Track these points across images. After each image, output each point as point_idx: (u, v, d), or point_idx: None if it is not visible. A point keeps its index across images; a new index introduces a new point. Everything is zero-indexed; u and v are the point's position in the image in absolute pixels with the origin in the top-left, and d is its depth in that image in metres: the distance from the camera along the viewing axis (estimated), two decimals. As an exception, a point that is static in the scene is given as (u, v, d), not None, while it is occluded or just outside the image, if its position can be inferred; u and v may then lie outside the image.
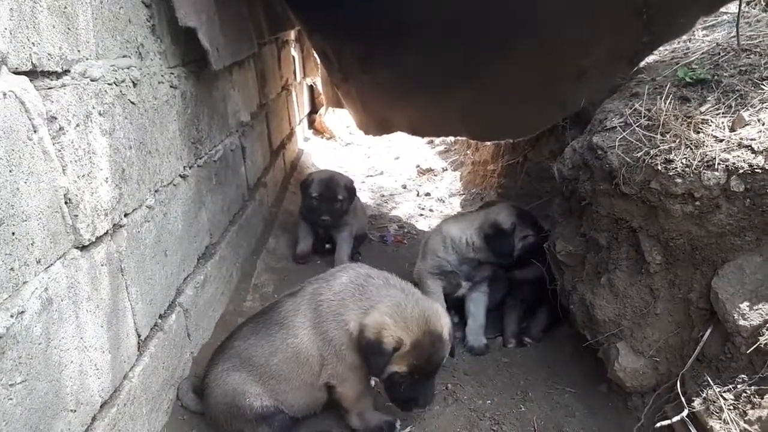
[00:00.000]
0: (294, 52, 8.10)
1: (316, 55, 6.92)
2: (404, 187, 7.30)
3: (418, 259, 4.10)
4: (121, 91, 2.42)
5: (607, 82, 3.67)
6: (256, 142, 5.30)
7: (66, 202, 1.97)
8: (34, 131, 1.81)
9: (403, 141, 8.89)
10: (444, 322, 2.59)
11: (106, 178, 2.26)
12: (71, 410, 1.93)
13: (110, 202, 2.28)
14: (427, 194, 6.90)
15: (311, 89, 9.51)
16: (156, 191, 2.81)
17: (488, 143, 6.29)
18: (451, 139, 8.17)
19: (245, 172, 4.79)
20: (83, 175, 2.08)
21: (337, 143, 9.36)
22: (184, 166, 3.22)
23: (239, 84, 4.67)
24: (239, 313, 3.89)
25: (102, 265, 2.21)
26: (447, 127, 5.48)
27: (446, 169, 7.63)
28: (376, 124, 6.06)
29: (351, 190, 4.98)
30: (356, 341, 2.55)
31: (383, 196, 7.01)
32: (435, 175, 7.55)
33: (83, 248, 2.08)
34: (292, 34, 7.85)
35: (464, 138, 7.23)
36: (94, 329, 2.11)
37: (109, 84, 2.32)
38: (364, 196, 6.98)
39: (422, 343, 2.46)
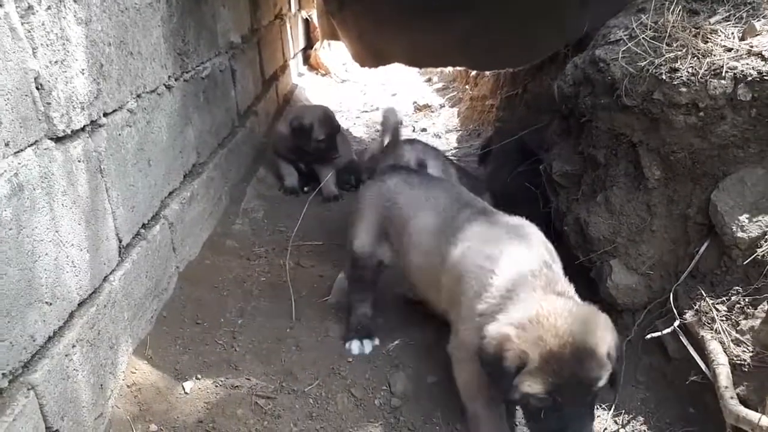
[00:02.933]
0: (289, -19, 7.80)
1: (311, -17, 6.66)
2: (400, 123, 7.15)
3: None
4: (97, -20, 2.28)
5: (611, 7, 3.52)
6: (247, 68, 5.13)
7: (37, 87, 1.87)
8: (0, 6, 1.69)
9: (400, 78, 8.68)
10: (601, 337, 1.97)
11: (82, 70, 2.14)
12: (46, 302, 1.87)
13: (87, 96, 2.17)
14: (423, 130, 6.76)
15: (307, 23, 9.22)
16: (138, 96, 2.69)
17: (488, 73, 6.13)
18: (450, 74, 7.96)
19: (235, 96, 4.65)
20: (56, 62, 1.96)
21: (333, 79, 9.13)
22: (168, 76, 3.10)
23: (229, 2, 4.48)
24: (228, 235, 3.83)
25: (79, 161, 2.11)
26: (446, 56, 5.32)
27: (443, 106, 7.46)
28: (373, 55, 5.87)
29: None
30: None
31: (378, 131, 6.87)
32: (432, 112, 7.39)
33: (58, 140, 1.99)
34: (287, -39, 7.56)
35: (463, 69, 7.05)
36: (71, 225, 2.04)
37: (83, -30, 2.17)
38: (359, 131, 6.85)
39: (559, 357, 1.89)
